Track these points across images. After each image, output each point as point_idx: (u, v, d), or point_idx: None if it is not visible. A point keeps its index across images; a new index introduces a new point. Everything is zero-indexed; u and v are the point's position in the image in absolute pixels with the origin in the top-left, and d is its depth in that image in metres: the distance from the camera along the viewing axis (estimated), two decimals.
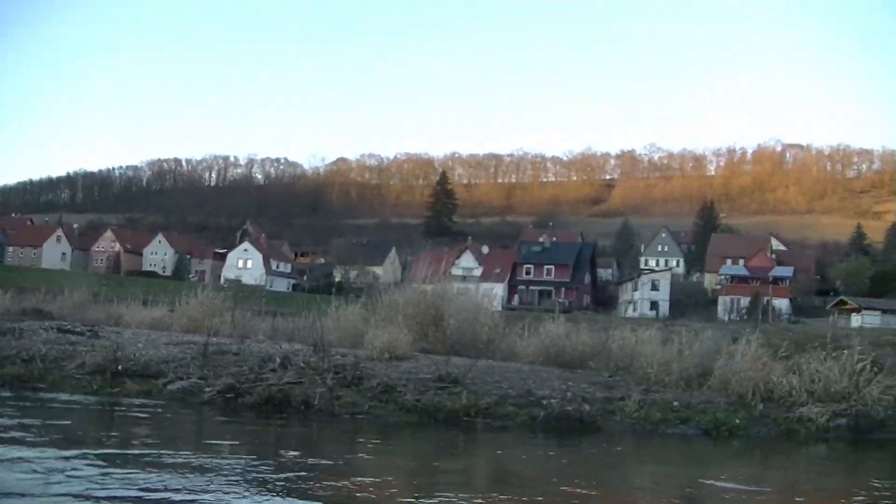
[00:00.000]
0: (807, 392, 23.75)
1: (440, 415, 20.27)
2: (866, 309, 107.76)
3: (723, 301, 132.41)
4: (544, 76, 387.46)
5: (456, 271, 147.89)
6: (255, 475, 12.90)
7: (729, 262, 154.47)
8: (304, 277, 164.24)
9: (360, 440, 18.57)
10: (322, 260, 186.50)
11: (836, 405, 23.30)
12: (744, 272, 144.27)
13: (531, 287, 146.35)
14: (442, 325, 30.12)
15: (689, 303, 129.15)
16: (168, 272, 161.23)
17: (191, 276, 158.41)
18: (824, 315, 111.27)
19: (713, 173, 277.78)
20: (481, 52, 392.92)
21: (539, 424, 20.45)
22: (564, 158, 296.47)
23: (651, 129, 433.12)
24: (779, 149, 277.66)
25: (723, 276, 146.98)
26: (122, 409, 19.66)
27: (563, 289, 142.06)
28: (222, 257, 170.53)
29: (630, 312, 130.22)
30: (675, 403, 22.79)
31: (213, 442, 16.87)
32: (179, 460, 13.63)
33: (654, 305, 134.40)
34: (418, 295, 31.81)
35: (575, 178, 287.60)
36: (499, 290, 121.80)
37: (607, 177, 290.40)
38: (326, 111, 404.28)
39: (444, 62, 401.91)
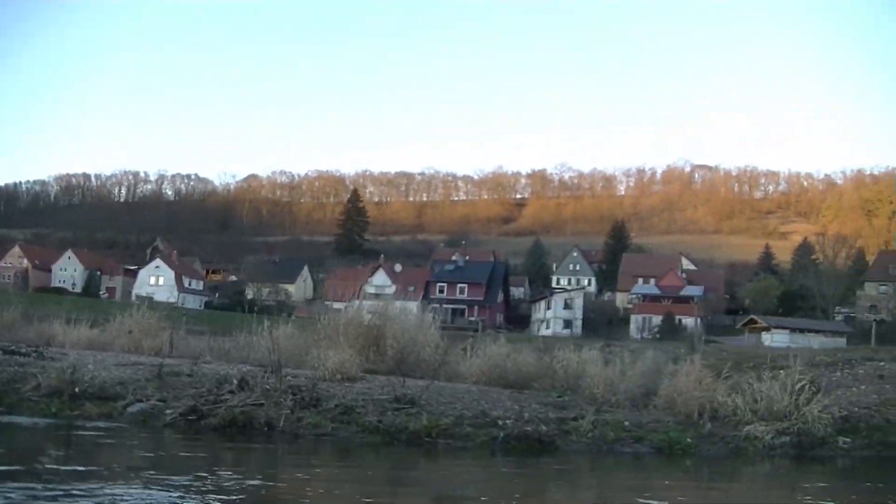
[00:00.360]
0: (751, 411, 24.36)
1: (402, 436, 20.48)
2: (775, 328, 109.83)
3: (635, 320, 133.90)
4: (455, 95, 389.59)
5: (369, 289, 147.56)
6: (197, 495, 12.98)
7: (640, 281, 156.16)
8: (216, 295, 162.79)
9: (316, 462, 18.68)
10: (234, 277, 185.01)
11: (779, 424, 23.94)
12: (655, 291, 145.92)
13: (444, 305, 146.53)
14: (384, 345, 30.24)
15: (601, 321, 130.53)
16: (78, 289, 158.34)
17: (101, 293, 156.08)
18: (734, 333, 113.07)
19: (623, 193, 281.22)
20: (391, 70, 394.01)
21: (499, 445, 20.76)
22: (475, 177, 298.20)
23: (562, 149, 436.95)
24: (688, 169, 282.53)
25: (634, 295, 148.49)
26: (88, 431, 19.54)
27: (476, 307, 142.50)
28: (133, 274, 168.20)
29: (543, 331, 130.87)
30: (627, 423, 23.24)
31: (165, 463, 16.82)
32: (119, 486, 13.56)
33: (567, 324, 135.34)
34: (360, 315, 31.86)
35: (486, 196, 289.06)
36: (413, 308, 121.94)
37: (518, 196, 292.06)
38: (237, 127, 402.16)
39: (353, 79, 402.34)
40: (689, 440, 22.57)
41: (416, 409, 21.89)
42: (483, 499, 14.91)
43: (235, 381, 22.33)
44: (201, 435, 19.95)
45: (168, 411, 20.79)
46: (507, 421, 21.95)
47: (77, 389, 21.71)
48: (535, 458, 20.58)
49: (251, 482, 15.09)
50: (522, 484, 17.79)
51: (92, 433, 19.40)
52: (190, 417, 20.45)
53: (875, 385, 28.74)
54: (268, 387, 22.05)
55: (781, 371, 26.75)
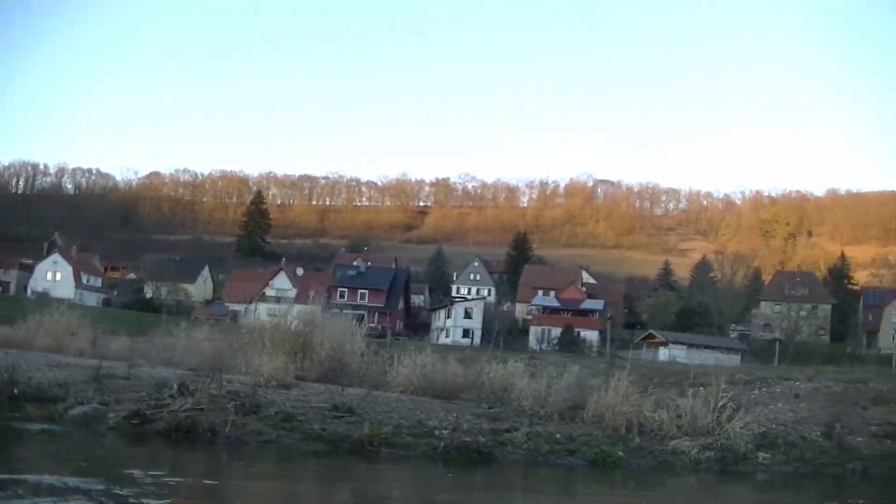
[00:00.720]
0: (676, 426, 25.12)
1: (345, 444, 20.75)
2: (673, 343, 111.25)
3: (535, 331, 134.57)
4: (361, 100, 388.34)
5: (270, 292, 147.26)
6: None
7: (540, 293, 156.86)
8: (115, 293, 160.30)
9: (257, 468, 18.88)
10: (133, 275, 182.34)
11: (703, 439, 24.76)
12: (555, 303, 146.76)
13: (345, 311, 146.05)
14: (311, 352, 30.37)
15: (501, 331, 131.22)
16: None
17: None
18: (633, 348, 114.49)
19: (526, 205, 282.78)
20: (297, 73, 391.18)
21: (439, 455, 21.16)
22: (379, 183, 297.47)
23: (466, 159, 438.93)
24: (590, 184, 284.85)
25: (535, 307, 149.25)
26: (35, 436, 19.43)
27: (376, 313, 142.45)
28: (29, 269, 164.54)
29: (443, 339, 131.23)
30: (559, 436, 23.79)
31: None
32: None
33: (466, 333, 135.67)
34: (286, 321, 31.97)
35: (389, 203, 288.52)
36: (317, 312, 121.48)
37: (421, 203, 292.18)
38: (140, 123, 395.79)
39: (259, 80, 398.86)
40: (619, 453, 23.22)
41: (355, 417, 22.17)
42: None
43: (175, 386, 22.33)
44: (145, 439, 19.96)
45: (111, 415, 20.77)
46: (444, 431, 22.35)
47: (16, 391, 21.50)
48: (474, 468, 21.03)
49: (193, 488, 15.25)
50: (457, 492, 18.23)
51: (38, 436, 19.31)
52: (133, 422, 20.46)
53: (791, 403, 29.75)
54: (209, 392, 22.06)
55: (702, 388, 27.54)
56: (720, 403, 25.88)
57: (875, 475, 25.15)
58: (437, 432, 22.23)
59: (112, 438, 20.00)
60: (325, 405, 22.87)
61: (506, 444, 22.44)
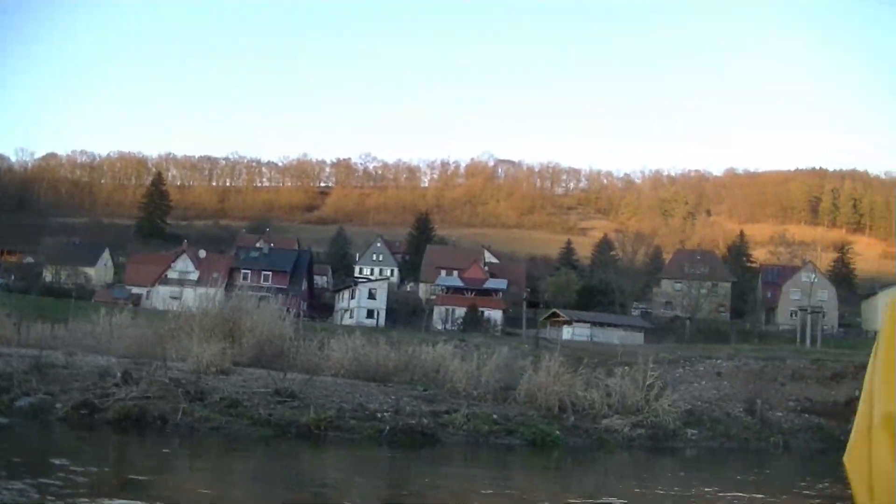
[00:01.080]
0: (607, 405, 25.84)
1: (292, 428, 21.00)
2: (577, 321, 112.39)
3: (438, 311, 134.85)
4: (261, 80, 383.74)
5: (172, 275, 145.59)
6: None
7: (443, 273, 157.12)
8: (12, 277, 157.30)
9: (205, 455, 19.10)
10: (30, 259, 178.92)
11: (634, 417, 25.59)
12: (459, 283, 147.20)
13: (249, 293, 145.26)
14: (240, 337, 30.40)
15: (404, 312, 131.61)
16: None
17: None
18: (536, 327, 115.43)
19: (427, 185, 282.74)
20: (197, 53, 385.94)
21: (385, 437, 21.57)
22: (280, 164, 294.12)
23: (367, 139, 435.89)
24: (491, 164, 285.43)
25: (438, 287, 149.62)
26: None
27: (280, 295, 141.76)
28: None
29: (347, 320, 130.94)
30: (495, 416, 24.31)
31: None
32: None
33: (370, 314, 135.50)
34: (215, 307, 31.96)
35: (290, 184, 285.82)
36: (217, 295, 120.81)
37: (322, 184, 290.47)
38: (37, 103, 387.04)
39: (158, 59, 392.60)
40: (556, 433, 23.84)
41: (297, 402, 22.42)
42: (360, 484, 15.70)
43: (119, 375, 22.33)
44: (95, 429, 19.99)
45: (58, 405, 20.72)
46: (386, 414, 22.76)
47: None
48: (418, 449, 21.46)
49: (138, 477, 15.43)
50: (400, 472, 18.68)
51: None
52: (82, 412, 20.45)
53: (714, 381, 30.63)
54: (154, 380, 22.11)
55: (627, 367, 28.29)
56: (648, 382, 26.68)
57: (795, 448, 26.19)
58: (379, 415, 22.62)
59: (62, 429, 19.98)
60: (268, 390, 23.10)
61: (447, 426, 22.93)
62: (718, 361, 32.15)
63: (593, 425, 24.52)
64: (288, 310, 34.58)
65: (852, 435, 2.03)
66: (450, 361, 28.68)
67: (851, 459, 2.01)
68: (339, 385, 25.71)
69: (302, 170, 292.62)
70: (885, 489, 1.88)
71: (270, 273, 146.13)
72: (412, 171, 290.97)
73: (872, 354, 2.09)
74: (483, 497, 16.22)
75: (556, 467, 22.31)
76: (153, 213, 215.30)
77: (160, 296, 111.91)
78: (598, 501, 16.04)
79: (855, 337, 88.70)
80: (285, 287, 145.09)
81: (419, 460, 20.85)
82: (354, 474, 18.26)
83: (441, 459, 21.19)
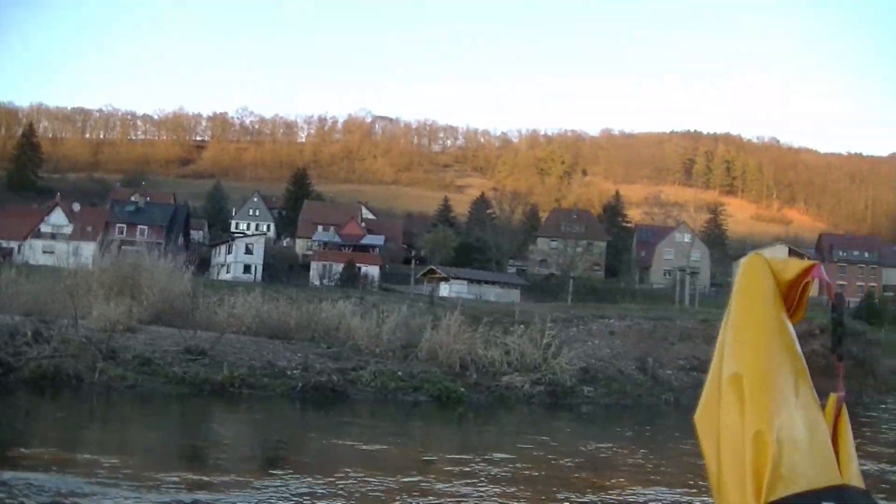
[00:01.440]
0: (507, 363, 26.66)
1: (207, 386, 21.32)
2: (454, 278, 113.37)
3: (315, 267, 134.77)
4: (136, 30, 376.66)
5: (45, 229, 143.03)
6: None
7: (321, 228, 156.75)
8: None
9: (120, 413, 19.33)
10: None
11: (532, 374, 26.47)
12: (336, 239, 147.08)
13: (124, 247, 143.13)
14: (140, 294, 30.32)
15: (281, 267, 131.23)
16: None
17: None
18: (413, 283, 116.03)
19: (304, 141, 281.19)
20: (71, 1, 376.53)
21: (297, 394, 22.05)
22: (155, 117, 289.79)
23: (244, 94, 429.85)
24: (369, 120, 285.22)
25: (315, 243, 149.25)
26: None
27: (156, 250, 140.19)
28: None
29: (224, 275, 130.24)
30: (400, 373, 24.95)
31: None
32: None
33: (248, 268, 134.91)
34: (114, 264, 31.84)
35: (165, 137, 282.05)
36: (91, 249, 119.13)
37: (198, 138, 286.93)
38: None
39: (31, 7, 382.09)
40: (461, 389, 24.56)
41: (208, 359, 22.69)
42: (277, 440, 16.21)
43: (29, 333, 22.26)
44: (11, 389, 20.01)
45: None
46: (295, 371, 23.21)
47: None
48: (329, 406, 21.98)
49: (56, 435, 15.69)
50: (314, 429, 19.23)
51: None
52: None
53: (607, 340, 31.67)
54: (66, 338, 22.13)
55: (522, 326, 29.15)
56: (546, 341, 27.56)
57: (685, 405, 27.26)
58: (289, 373, 23.07)
59: None
60: (178, 348, 23.31)
61: (355, 383, 23.51)
62: (611, 321, 33.25)
63: (494, 382, 25.33)
64: (187, 265, 34.54)
65: (703, 394, 2.06)
66: (350, 319, 29.11)
67: (701, 418, 2.05)
68: (245, 343, 25.99)
69: (178, 123, 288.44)
70: (731, 449, 1.93)
71: (147, 228, 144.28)
72: (289, 127, 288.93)
73: (726, 314, 2.09)
74: (383, 450, 16.85)
75: (458, 422, 22.95)
76: (24, 166, 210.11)
77: (33, 250, 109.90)
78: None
79: (726, 296, 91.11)
80: (162, 242, 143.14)
81: (328, 416, 21.31)
82: (263, 430, 18.68)
83: (349, 415, 21.69)
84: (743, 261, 2.18)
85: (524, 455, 17.30)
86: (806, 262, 2.08)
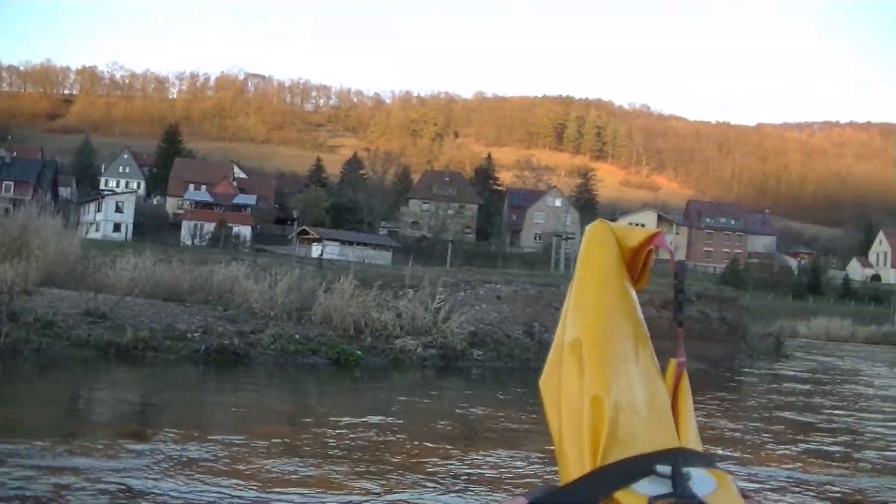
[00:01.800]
0: (399, 327, 27.48)
1: (112, 349, 21.63)
2: (327, 239, 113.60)
3: (187, 226, 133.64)
4: None
5: None
6: None
7: (192, 187, 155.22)
8: None
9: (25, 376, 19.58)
10: None
11: (424, 338, 27.36)
12: (207, 198, 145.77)
13: (29, 209, 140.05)
14: (29, 255, 30.17)
15: (152, 226, 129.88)
16: None
17: None
18: (286, 244, 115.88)
19: (175, 97, 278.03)
20: None
21: (200, 357, 22.53)
22: (21, 68, 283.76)
23: (114, 47, 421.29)
24: (241, 77, 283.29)
25: (186, 201, 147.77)
26: None
27: (23, 207, 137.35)
28: None
29: (93, 234, 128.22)
30: (297, 336, 25.53)
31: None
32: None
33: (118, 227, 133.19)
34: (1, 224, 31.58)
35: (32, 90, 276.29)
36: None
37: (66, 92, 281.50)
38: None
39: None
40: (358, 352, 25.32)
41: (109, 322, 22.96)
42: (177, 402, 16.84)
43: None
44: None
45: None
46: (196, 334, 23.64)
47: None
48: (231, 368, 22.53)
49: None
50: (216, 391, 19.84)
51: None
52: None
53: (495, 305, 32.56)
54: None
55: (411, 290, 29.91)
56: (436, 305, 28.43)
57: None
58: (189, 335, 23.47)
59: None
60: (78, 311, 23.48)
61: (255, 346, 24.03)
62: (497, 286, 34.08)
63: (388, 345, 26.17)
64: (76, 225, 34.31)
65: (548, 359, 2.05)
66: (244, 281, 29.48)
67: (545, 383, 2.02)
68: (143, 306, 26.20)
69: (45, 76, 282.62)
70: (571, 414, 1.91)
71: (12, 183, 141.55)
72: (160, 82, 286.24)
73: (572, 280, 2.12)
74: (265, 409, 17.57)
75: (353, 383, 23.72)
76: None
77: None
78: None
79: None
80: (29, 198, 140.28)
81: (228, 378, 21.84)
82: (157, 392, 19.15)
83: (248, 377, 22.23)
84: (588, 228, 2.17)
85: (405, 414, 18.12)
86: (649, 230, 2.09)
